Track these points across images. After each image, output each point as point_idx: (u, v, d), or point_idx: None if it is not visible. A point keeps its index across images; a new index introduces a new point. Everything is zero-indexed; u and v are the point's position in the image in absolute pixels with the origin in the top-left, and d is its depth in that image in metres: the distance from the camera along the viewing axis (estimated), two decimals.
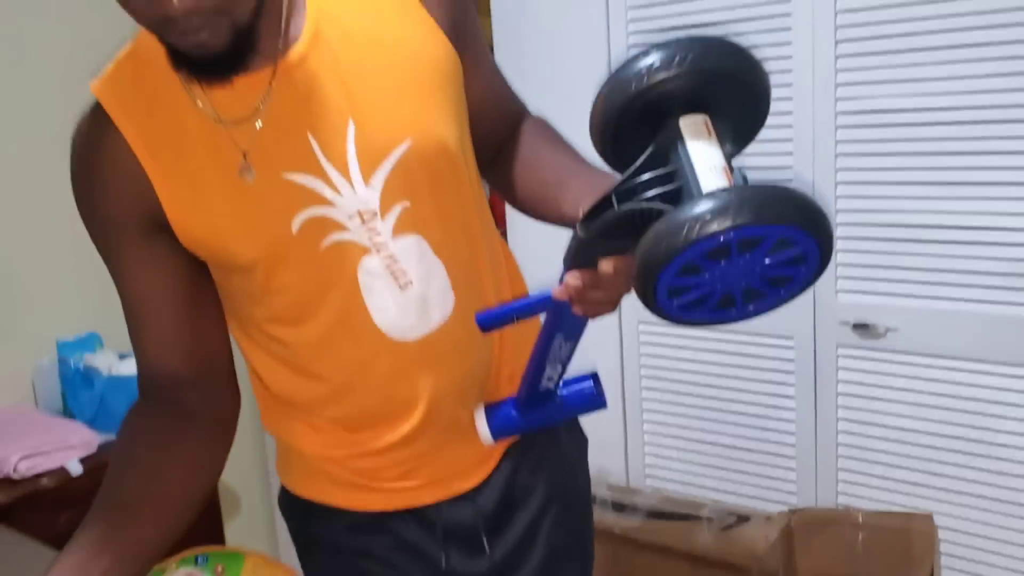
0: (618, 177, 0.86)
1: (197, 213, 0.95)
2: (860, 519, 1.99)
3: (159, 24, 0.84)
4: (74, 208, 0.99)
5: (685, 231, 0.71)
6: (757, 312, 0.82)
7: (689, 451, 2.31)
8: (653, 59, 0.81)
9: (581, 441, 1.23)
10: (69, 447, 2.11)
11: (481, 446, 1.08)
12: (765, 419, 2.17)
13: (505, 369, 1.11)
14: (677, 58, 0.80)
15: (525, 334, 1.06)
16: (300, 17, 0.95)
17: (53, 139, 1.26)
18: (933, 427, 1.95)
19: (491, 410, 1.08)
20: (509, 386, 1.10)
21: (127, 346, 1.04)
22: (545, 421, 1.09)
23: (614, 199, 0.83)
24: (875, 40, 1.86)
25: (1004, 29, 1.71)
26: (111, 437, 2.00)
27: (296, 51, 0.94)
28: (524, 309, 0.96)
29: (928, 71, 1.81)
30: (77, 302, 2.39)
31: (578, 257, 0.87)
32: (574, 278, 0.86)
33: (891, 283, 1.94)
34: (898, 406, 1.99)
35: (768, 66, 0.84)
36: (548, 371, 1.03)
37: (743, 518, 2.05)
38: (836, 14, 1.89)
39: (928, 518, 1.93)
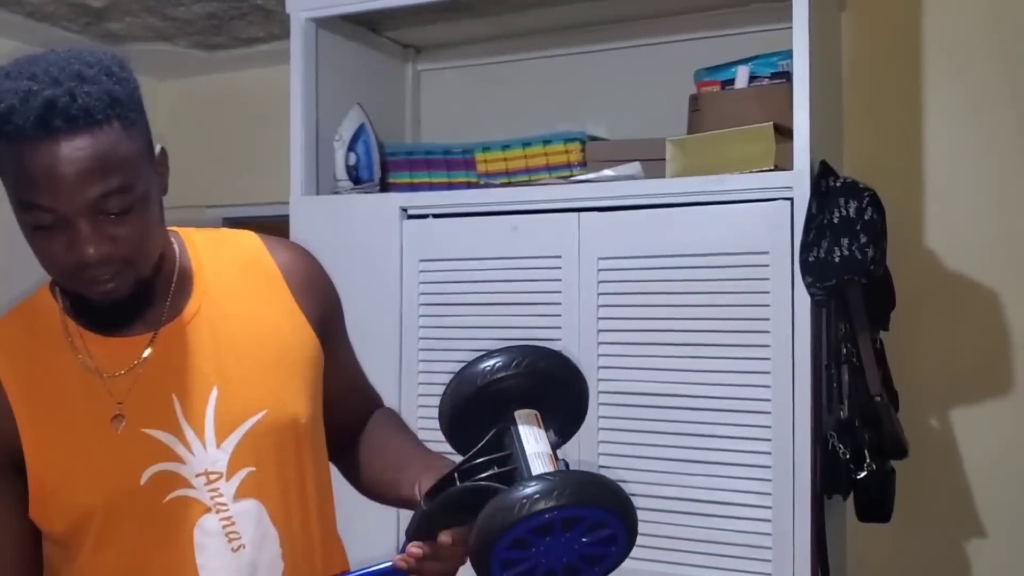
0: (455, 460, 1.00)
1: (56, 454, 0.99)
2: None
3: (74, 270, 0.93)
4: None
5: (516, 508, 0.85)
6: None
7: None
8: (496, 360, 0.99)
9: None
10: None
11: None
12: None
13: None
14: (515, 361, 0.99)
15: None
16: (186, 297, 1.06)
17: None
18: None
19: None
20: None
21: None
22: None
23: (456, 477, 0.95)
24: (632, 332, 2.16)
25: (740, 335, 2.06)
26: None
27: (176, 323, 1.04)
28: None
29: (676, 363, 2.12)
30: None
31: (420, 528, 0.96)
32: (416, 547, 0.95)
33: (644, 548, 2.13)
34: None
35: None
36: None
37: None
38: (598, 320, 2.19)
39: None
